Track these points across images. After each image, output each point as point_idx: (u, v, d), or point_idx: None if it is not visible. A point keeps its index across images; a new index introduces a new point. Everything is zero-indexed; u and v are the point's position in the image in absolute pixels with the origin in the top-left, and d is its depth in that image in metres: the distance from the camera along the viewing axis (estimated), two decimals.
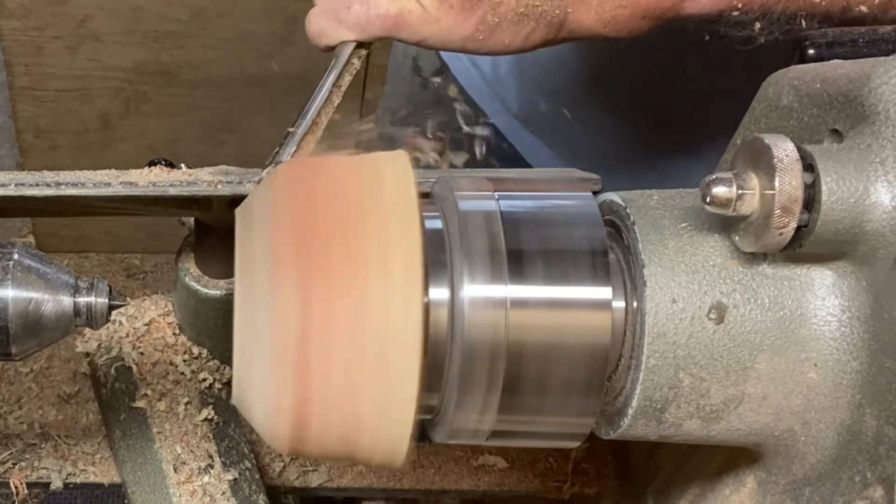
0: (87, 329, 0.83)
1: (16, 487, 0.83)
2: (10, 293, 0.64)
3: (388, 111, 1.25)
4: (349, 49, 0.76)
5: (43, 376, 0.93)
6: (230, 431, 0.84)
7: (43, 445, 0.87)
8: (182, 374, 0.84)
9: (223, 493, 0.80)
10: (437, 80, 1.23)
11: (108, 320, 0.66)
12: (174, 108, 1.59)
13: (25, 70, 1.52)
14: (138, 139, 1.38)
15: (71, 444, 0.87)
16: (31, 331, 0.65)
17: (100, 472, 0.86)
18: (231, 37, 1.49)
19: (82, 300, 0.65)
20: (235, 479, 0.81)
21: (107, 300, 0.66)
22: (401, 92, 1.24)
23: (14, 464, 0.85)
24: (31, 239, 1.67)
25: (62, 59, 1.52)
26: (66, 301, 0.65)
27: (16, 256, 0.65)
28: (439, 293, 0.55)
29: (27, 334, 0.65)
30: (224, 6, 1.47)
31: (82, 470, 0.86)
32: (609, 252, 0.58)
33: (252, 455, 0.83)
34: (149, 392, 0.83)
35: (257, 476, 0.82)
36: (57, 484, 0.84)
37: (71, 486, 0.85)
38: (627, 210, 0.59)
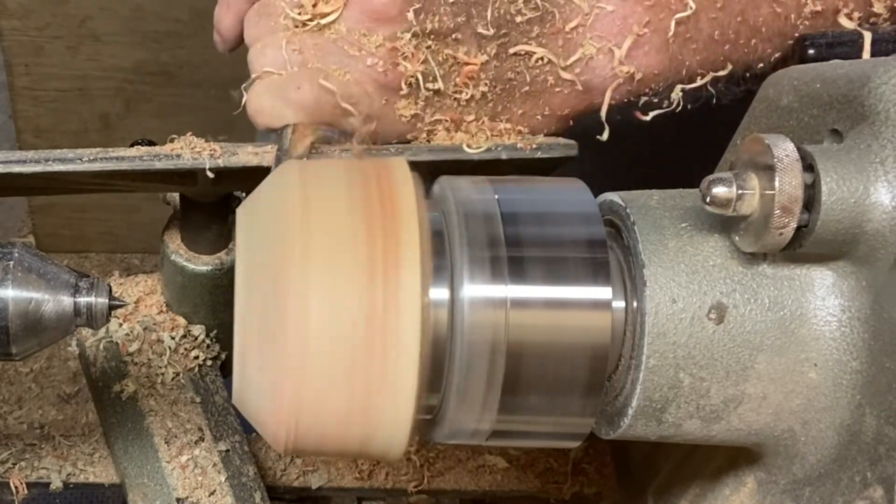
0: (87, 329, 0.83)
1: (16, 487, 0.83)
2: (10, 293, 0.64)
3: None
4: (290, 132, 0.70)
5: (43, 376, 0.93)
6: (219, 405, 0.84)
7: (43, 445, 0.87)
8: (170, 349, 0.84)
9: (214, 464, 0.81)
10: None
11: (108, 320, 0.66)
12: (174, 108, 1.59)
13: (25, 70, 1.52)
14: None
15: (70, 444, 0.87)
16: (32, 331, 0.65)
17: (99, 472, 0.86)
18: None
19: (83, 300, 0.65)
20: (226, 451, 0.82)
21: (107, 300, 0.66)
22: None
23: (14, 464, 0.85)
24: (31, 239, 1.67)
25: (62, 59, 1.52)
26: (67, 301, 0.65)
27: (16, 256, 0.65)
28: (439, 293, 0.55)
29: (27, 334, 0.65)
30: None
31: (82, 470, 0.86)
32: (609, 252, 0.58)
33: (241, 428, 0.84)
34: (137, 369, 0.83)
35: (246, 448, 0.83)
36: (57, 484, 0.84)
37: (71, 485, 0.85)
38: (627, 210, 0.59)
